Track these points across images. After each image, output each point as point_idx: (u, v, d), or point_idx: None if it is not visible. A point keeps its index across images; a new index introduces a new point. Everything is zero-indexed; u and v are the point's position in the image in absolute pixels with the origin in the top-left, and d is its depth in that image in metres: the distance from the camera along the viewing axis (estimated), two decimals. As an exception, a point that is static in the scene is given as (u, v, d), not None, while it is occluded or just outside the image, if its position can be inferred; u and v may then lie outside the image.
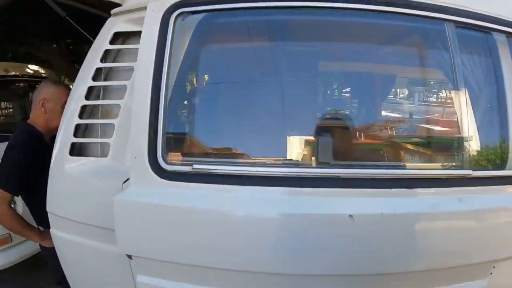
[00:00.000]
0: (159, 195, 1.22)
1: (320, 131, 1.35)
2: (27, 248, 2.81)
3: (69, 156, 1.41)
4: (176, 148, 1.34)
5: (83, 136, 1.46)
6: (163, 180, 1.22)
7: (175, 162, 1.26)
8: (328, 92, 1.66)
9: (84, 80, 1.43)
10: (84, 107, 1.43)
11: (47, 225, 1.81)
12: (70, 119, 1.43)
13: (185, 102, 1.36)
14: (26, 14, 2.79)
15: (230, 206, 1.20)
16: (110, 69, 1.48)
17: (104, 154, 1.44)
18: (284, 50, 1.45)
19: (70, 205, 1.44)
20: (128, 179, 1.31)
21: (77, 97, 1.43)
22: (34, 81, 3.30)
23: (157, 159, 1.22)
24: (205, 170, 1.23)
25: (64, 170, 1.42)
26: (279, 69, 1.44)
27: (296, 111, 1.41)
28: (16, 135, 1.78)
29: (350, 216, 1.11)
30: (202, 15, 1.31)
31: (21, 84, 3.17)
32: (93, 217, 1.38)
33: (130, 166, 1.24)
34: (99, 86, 1.45)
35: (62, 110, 1.75)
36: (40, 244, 1.90)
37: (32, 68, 3.44)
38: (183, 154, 1.33)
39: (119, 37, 1.47)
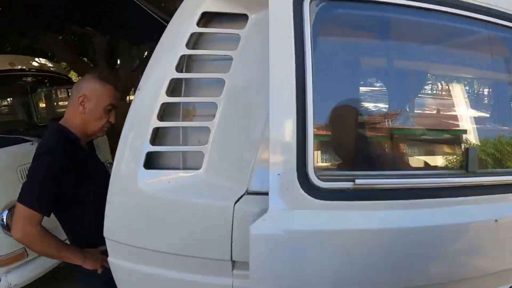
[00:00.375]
0: (317, 219, 0.93)
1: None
2: (44, 263, 2.37)
3: (144, 170, 1.03)
4: (331, 159, 1.04)
5: (153, 144, 1.07)
6: (317, 200, 0.93)
7: (331, 177, 0.97)
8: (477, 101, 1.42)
9: (163, 70, 1.02)
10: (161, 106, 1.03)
11: (82, 245, 1.42)
12: (143, 121, 1.02)
13: (336, 102, 1.05)
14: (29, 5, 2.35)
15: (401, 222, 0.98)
16: (189, 57, 1.11)
17: (189, 166, 1.07)
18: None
19: (146, 230, 1.04)
20: (241, 198, 0.99)
21: (153, 92, 1.03)
22: (42, 75, 2.80)
23: (307, 175, 0.92)
24: (370, 185, 0.97)
25: (138, 188, 1.03)
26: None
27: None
28: (46, 138, 1.34)
29: (496, 221, 1.06)
30: (337, 3, 1.02)
31: (29, 79, 2.67)
32: (184, 246, 1.02)
33: (271, 186, 0.91)
34: (180, 79, 1.07)
35: (103, 114, 1.36)
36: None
37: (39, 61, 2.92)
38: (340, 167, 1.04)
39: (201, 18, 1.10)
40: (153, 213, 1.04)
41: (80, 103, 1.34)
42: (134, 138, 1.05)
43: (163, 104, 1.02)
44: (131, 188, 1.04)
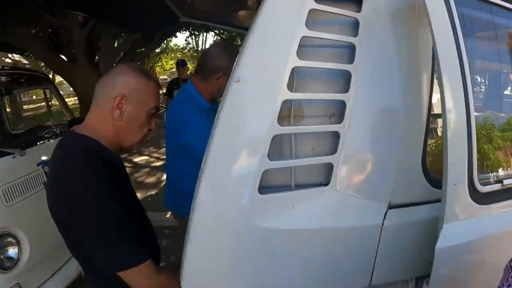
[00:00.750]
0: (488, 224, 0.84)
1: None
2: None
3: (259, 195, 0.72)
4: (486, 163, 0.93)
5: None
6: (480, 206, 0.82)
7: (488, 181, 0.88)
8: None
9: (280, 55, 0.70)
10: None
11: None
12: (256, 126, 0.70)
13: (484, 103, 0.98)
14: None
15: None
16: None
17: (305, 182, 0.77)
18: None
19: (260, 274, 0.72)
20: (386, 214, 0.79)
21: (268, 86, 0.70)
22: (17, 74, 2.21)
23: (473, 181, 0.80)
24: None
25: (250, 221, 0.71)
26: None
27: None
28: (78, 164, 0.81)
29: None
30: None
31: (2, 79, 2.08)
32: (313, 281, 0.77)
33: (449, 197, 0.75)
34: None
35: (146, 120, 0.92)
36: None
37: (13, 58, 2.32)
38: (491, 169, 0.94)
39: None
40: (274, 252, 0.72)
41: (117, 106, 0.88)
42: (240, 153, 0.72)
43: (284, 102, 0.71)
44: (239, 222, 0.71)
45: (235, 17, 2.32)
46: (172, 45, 17.22)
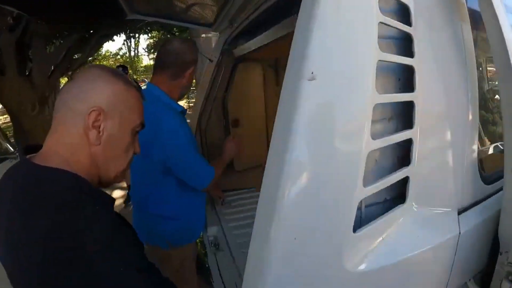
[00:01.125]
0: None
1: None
2: None
3: (353, 235, 0.51)
4: None
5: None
6: None
7: None
8: None
9: (362, 44, 0.50)
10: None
11: None
12: (345, 141, 0.49)
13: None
14: None
15: None
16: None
17: (370, 202, 0.60)
18: None
19: None
20: (459, 221, 0.68)
21: (353, 86, 0.50)
22: None
23: None
24: None
25: (344, 268, 0.50)
26: None
27: None
28: (89, 213, 0.51)
29: None
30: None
31: None
32: None
33: None
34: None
35: (131, 142, 0.64)
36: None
37: None
38: None
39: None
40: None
41: (93, 124, 0.57)
42: (327, 184, 0.49)
43: (375, 107, 0.51)
44: (331, 275, 0.50)
45: (191, 12, 2.02)
46: (103, 52, 15.47)
